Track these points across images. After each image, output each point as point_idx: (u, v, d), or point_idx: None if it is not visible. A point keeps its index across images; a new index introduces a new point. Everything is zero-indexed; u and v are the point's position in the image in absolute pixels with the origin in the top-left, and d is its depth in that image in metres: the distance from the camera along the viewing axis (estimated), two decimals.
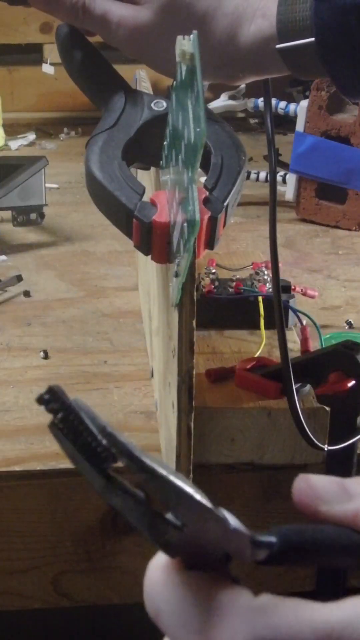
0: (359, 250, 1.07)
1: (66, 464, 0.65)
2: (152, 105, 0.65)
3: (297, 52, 0.60)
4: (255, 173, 1.22)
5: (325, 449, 0.63)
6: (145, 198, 0.57)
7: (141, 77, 0.77)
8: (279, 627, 0.31)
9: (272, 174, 0.66)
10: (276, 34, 0.61)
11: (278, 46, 0.61)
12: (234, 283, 0.80)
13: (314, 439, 0.62)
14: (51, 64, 1.59)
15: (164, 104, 0.65)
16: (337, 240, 1.10)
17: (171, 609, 0.34)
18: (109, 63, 0.69)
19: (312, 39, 0.59)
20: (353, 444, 0.65)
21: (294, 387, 0.61)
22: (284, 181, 1.20)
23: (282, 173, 1.22)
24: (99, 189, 0.59)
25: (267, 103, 0.67)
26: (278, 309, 0.63)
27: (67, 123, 1.62)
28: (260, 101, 1.23)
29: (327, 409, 0.63)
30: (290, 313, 0.78)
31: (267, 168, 1.16)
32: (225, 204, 0.57)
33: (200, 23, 0.62)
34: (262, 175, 1.21)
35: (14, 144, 1.50)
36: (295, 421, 0.62)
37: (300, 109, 1.14)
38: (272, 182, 0.66)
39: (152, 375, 0.75)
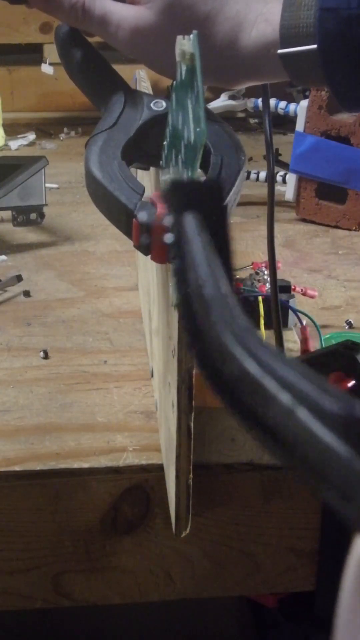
0: (359, 250, 1.07)
1: (66, 464, 0.66)
2: (151, 105, 0.65)
3: (299, 58, 0.60)
4: (255, 173, 1.22)
5: None
6: (146, 198, 0.57)
7: (141, 77, 0.77)
8: None
9: (271, 175, 0.66)
10: (278, 39, 0.61)
11: (280, 51, 0.61)
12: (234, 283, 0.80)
13: None
14: (50, 64, 1.59)
15: (164, 104, 0.65)
16: (337, 240, 1.10)
17: None
18: (108, 63, 0.69)
19: (315, 46, 0.59)
20: None
21: None
22: (284, 181, 1.20)
23: (282, 173, 1.22)
24: (99, 189, 0.59)
25: (266, 105, 0.67)
26: (274, 307, 0.63)
27: (67, 123, 1.62)
28: (260, 101, 1.23)
29: None
30: (290, 313, 0.78)
31: (267, 168, 1.16)
32: (224, 203, 0.57)
33: (202, 26, 0.62)
34: (262, 175, 1.21)
35: (14, 144, 1.50)
36: None
37: (300, 109, 1.14)
38: (271, 183, 0.66)
39: (152, 375, 0.75)
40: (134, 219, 0.56)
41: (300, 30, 0.60)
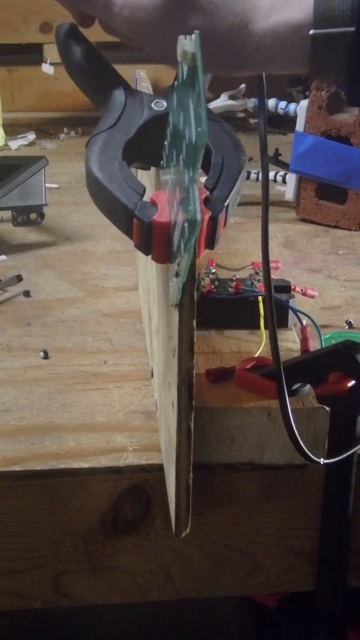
0: (359, 250, 1.07)
1: (66, 463, 0.65)
2: (152, 105, 0.65)
3: (331, 41, 0.59)
4: (255, 173, 1.22)
5: (321, 462, 0.62)
6: (146, 198, 0.57)
7: (141, 77, 0.76)
8: None
9: (265, 176, 0.66)
10: (305, 22, 0.59)
11: (312, 32, 0.59)
12: (234, 283, 0.80)
13: (306, 451, 0.62)
14: (51, 63, 1.59)
15: (164, 103, 0.64)
16: (337, 240, 1.10)
17: None
18: (108, 62, 0.69)
19: (352, 28, 0.58)
20: (352, 446, 0.65)
21: (287, 400, 0.61)
22: (284, 181, 1.20)
23: (282, 173, 1.22)
24: (99, 189, 0.59)
25: (262, 107, 0.66)
26: (269, 306, 0.63)
27: (67, 123, 1.62)
28: None
29: (327, 409, 0.63)
30: (290, 313, 0.78)
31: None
32: (225, 204, 0.57)
33: (211, 6, 0.60)
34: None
35: (14, 144, 1.51)
36: (288, 431, 0.61)
37: (300, 109, 1.14)
38: (265, 184, 0.66)
39: (152, 375, 0.75)
40: (134, 219, 0.56)
41: (336, 13, 0.59)
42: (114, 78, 0.68)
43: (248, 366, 0.67)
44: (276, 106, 1.22)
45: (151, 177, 0.68)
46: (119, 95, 0.66)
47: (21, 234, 1.11)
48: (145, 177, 0.73)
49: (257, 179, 1.21)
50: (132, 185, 0.59)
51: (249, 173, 1.21)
